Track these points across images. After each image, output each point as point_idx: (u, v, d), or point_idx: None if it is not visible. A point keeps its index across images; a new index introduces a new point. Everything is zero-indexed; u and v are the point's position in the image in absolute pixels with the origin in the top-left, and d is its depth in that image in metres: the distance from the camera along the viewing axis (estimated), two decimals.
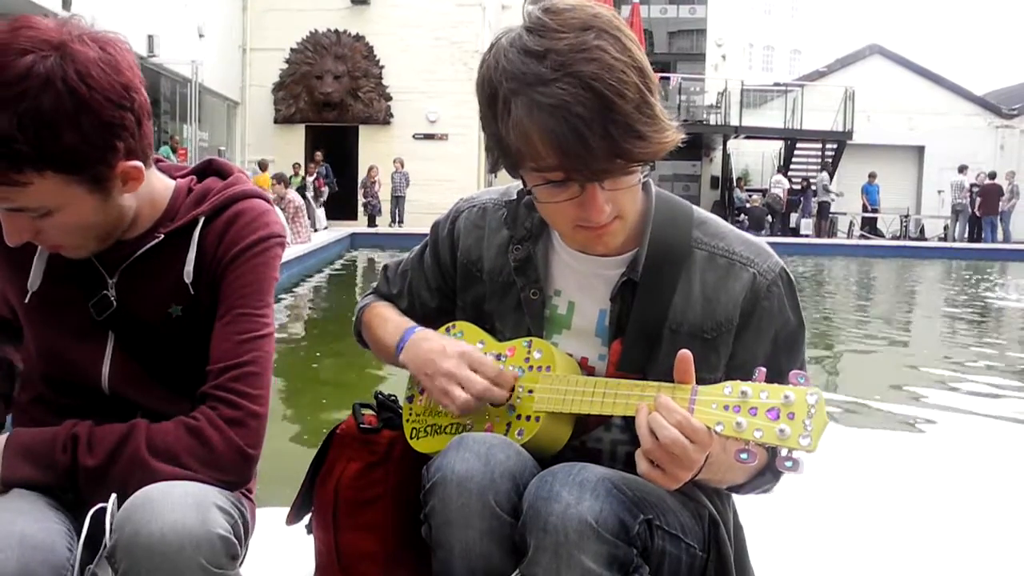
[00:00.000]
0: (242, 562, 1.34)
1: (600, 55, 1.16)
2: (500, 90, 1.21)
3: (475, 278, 1.48)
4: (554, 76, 1.16)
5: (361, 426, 1.49)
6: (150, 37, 14.19)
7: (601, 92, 1.15)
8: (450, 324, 1.49)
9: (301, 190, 16.35)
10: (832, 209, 24.43)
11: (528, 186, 1.28)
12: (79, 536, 1.17)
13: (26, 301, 1.34)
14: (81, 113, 1.15)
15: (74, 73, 1.15)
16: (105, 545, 1.13)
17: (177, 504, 1.11)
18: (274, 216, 1.41)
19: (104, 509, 1.16)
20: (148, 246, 1.33)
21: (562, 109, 1.15)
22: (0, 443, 1.23)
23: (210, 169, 1.45)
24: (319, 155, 20.26)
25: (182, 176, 1.43)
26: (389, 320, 1.54)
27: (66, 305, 1.35)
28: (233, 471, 1.25)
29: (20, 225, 1.23)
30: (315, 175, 19.41)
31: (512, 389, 1.35)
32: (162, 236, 1.33)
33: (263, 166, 17.33)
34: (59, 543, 1.17)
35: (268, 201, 1.42)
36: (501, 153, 1.26)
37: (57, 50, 1.15)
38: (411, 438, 1.46)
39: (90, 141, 1.17)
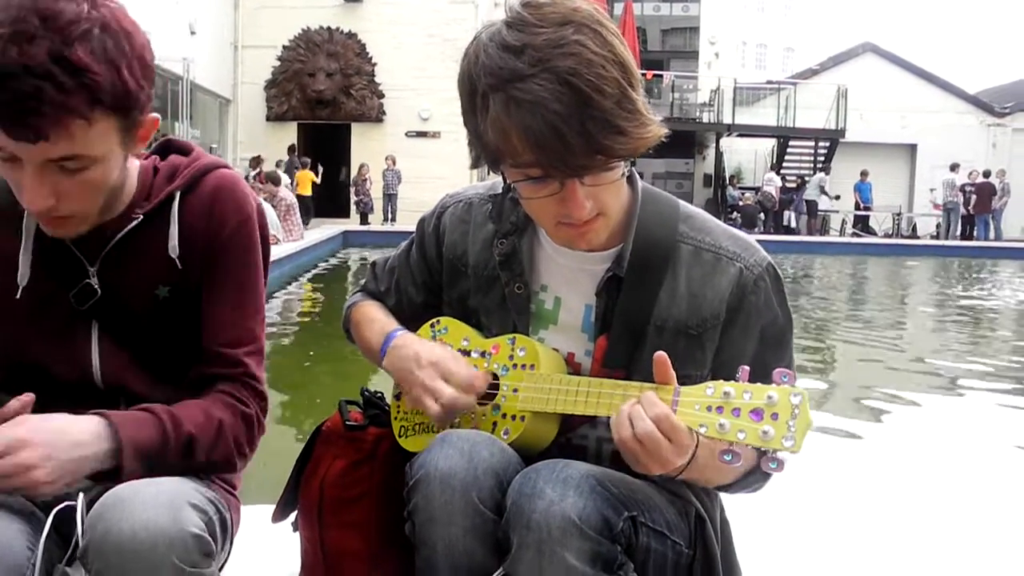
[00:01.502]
0: (227, 560, 1.34)
1: (579, 50, 1.15)
2: (479, 85, 1.20)
3: (460, 273, 1.47)
4: (531, 72, 1.15)
5: (347, 423, 1.48)
6: None
7: (579, 88, 1.14)
8: (434, 320, 1.49)
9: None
10: (824, 207, 24.46)
11: (509, 182, 1.27)
12: (41, 539, 1.15)
13: (17, 297, 1.32)
14: (134, 55, 1.19)
15: (124, 17, 1.19)
16: (76, 544, 1.12)
17: (148, 503, 1.10)
18: (243, 181, 1.43)
19: (72, 508, 1.15)
20: (127, 228, 1.33)
21: (539, 105, 1.14)
22: (102, 427, 1.19)
23: (171, 148, 1.45)
24: (288, 150, 19.99)
25: (143, 158, 1.43)
26: (375, 322, 1.53)
27: (49, 299, 1.34)
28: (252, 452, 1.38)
29: (50, 183, 1.20)
30: (257, 170, 17.37)
31: (490, 390, 1.35)
32: (141, 217, 1.33)
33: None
34: (16, 542, 1.16)
35: (231, 169, 1.44)
36: (481, 149, 1.25)
37: (91, 2, 1.17)
38: (399, 436, 1.46)
39: (139, 83, 1.19)
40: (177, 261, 1.34)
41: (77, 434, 1.17)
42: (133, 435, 1.20)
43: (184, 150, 1.44)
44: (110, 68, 1.15)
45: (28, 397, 1.21)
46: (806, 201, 23.93)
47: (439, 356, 1.37)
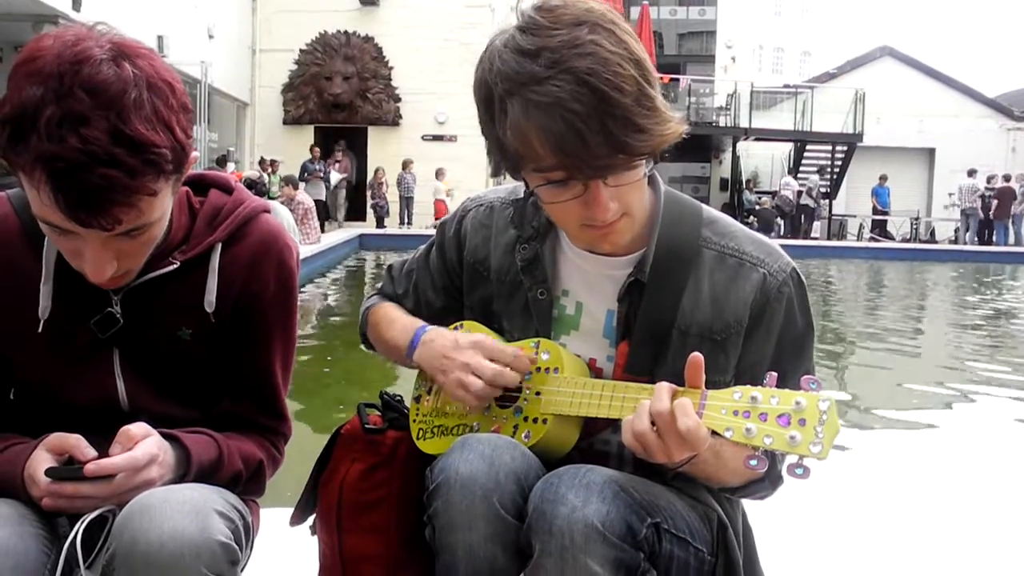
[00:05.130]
0: (246, 564, 1.33)
1: (594, 49, 1.14)
2: (495, 92, 1.19)
3: (482, 278, 1.46)
4: (548, 74, 1.14)
5: (365, 426, 1.47)
6: (160, 38, 14.17)
7: (597, 87, 1.13)
8: (457, 324, 1.48)
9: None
10: (842, 211, 24.32)
11: (531, 187, 1.26)
12: (64, 544, 1.14)
13: (39, 331, 1.28)
14: (180, 107, 1.14)
15: (161, 66, 1.14)
16: (101, 549, 1.12)
17: (176, 511, 1.09)
18: (286, 231, 1.42)
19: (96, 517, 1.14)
20: (162, 271, 1.29)
21: (558, 107, 1.13)
22: (167, 452, 1.23)
23: (206, 182, 1.40)
24: (316, 151, 19.96)
25: None
26: (397, 320, 1.52)
27: (70, 326, 1.30)
28: None
29: (113, 252, 1.17)
30: (263, 171, 17.25)
31: (513, 392, 1.34)
32: (178, 264, 1.30)
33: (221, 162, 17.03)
34: (32, 548, 1.16)
35: (269, 211, 1.41)
36: (501, 156, 1.24)
37: (122, 53, 1.10)
38: (418, 439, 1.44)
39: (188, 134, 1.16)
40: (211, 316, 1.32)
41: (170, 454, 1.23)
42: (200, 458, 1.26)
43: (223, 186, 1.40)
44: (167, 133, 1.10)
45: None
46: (800, 205, 23.75)
47: (479, 338, 1.36)
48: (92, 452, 1.18)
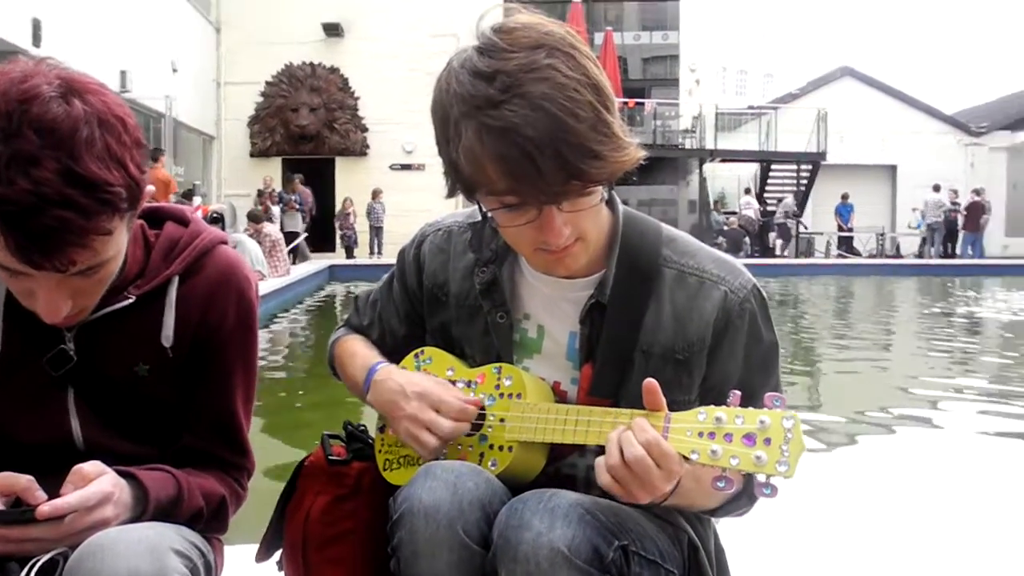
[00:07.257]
0: None
1: (551, 74, 1.13)
2: (451, 113, 1.18)
3: (441, 303, 1.45)
4: (503, 98, 1.13)
5: (330, 458, 1.45)
6: (123, 72, 14.09)
7: (552, 112, 1.12)
8: (419, 350, 1.46)
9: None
10: (809, 230, 24.54)
11: (485, 211, 1.25)
12: None
13: None
14: (133, 142, 1.12)
15: (112, 101, 1.11)
16: None
17: (130, 551, 1.06)
18: (245, 262, 1.39)
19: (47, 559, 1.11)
20: (119, 306, 1.26)
21: (511, 132, 1.12)
22: (123, 490, 1.19)
23: (161, 214, 1.38)
24: (296, 182, 19.65)
25: None
26: (356, 356, 1.51)
27: (21, 363, 1.27)
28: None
29: (67, 292, 1.14)
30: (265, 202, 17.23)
31: (477, 420, 1.32)
32: (134, 298, 1.27)
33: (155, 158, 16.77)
34: None
35: (227, 242, 1.39)
36: (456, 178, 1.23)
37: (72, 90, 1.08)
38: (384, 469, 1.43)
39: (142, 168, 1.13)
40: (168, 350, 1.30)
41: (127, 493, 1.19)
42: (158, 495, 1.22)
43: (178, 219, 1.37)
44: (120, 170, 1.08)
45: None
46: (777, 225, 24.03)
47: (426, 386, 1.34)
48: (43, 495, 1.14)
